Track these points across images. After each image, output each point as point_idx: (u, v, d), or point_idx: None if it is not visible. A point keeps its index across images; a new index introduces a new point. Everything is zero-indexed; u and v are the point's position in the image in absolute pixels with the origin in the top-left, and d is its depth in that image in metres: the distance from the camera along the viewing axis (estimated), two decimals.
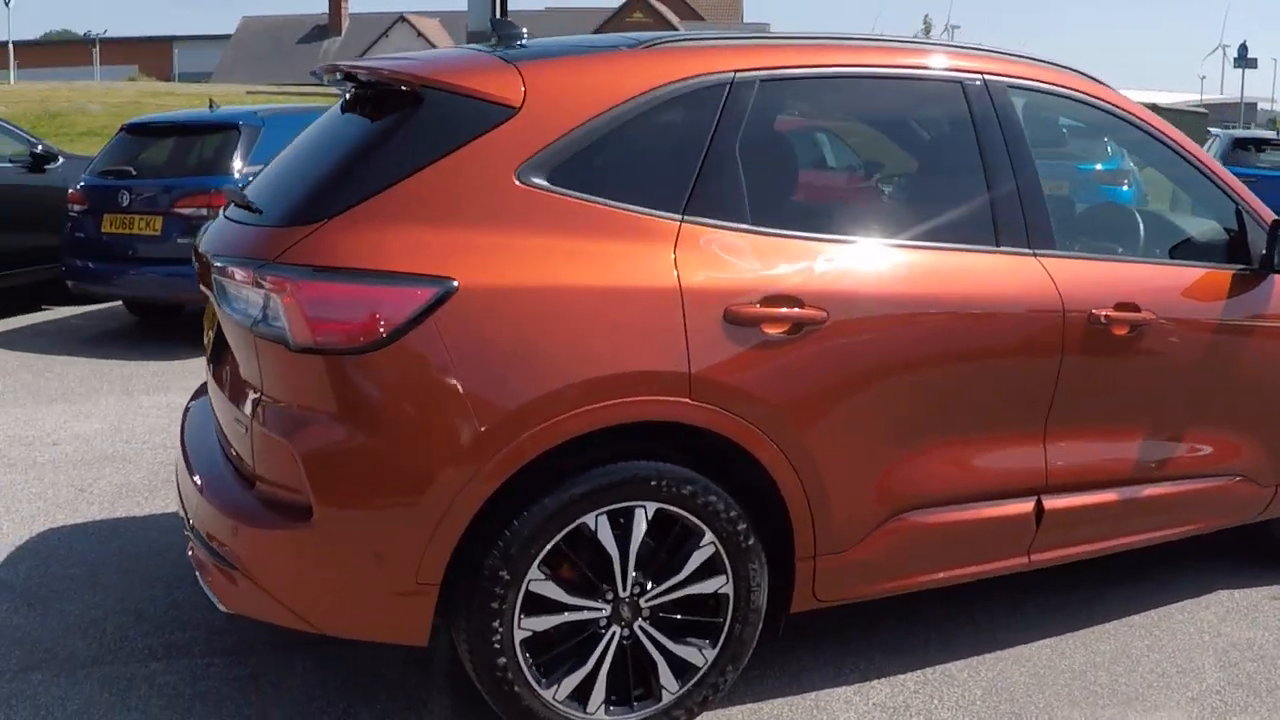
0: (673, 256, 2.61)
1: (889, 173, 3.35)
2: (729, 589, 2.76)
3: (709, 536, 2.70)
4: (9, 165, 8.34)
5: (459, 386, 2.43)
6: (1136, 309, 3.16)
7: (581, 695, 2.67)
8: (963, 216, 3.01)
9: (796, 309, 2.68)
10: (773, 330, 2.66)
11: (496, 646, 2.55)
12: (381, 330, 2.40)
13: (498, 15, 12.32)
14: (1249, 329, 3.42)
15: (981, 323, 2.97)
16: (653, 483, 2.61)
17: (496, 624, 2.54)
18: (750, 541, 2.74)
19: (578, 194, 2.60)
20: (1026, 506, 3.13)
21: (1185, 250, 3.55)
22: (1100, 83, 3.42)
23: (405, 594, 2.50)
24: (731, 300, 2.63)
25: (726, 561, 2.73)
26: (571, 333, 2.51)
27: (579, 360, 2.51)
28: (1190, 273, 3.37)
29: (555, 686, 2.64)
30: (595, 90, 2.68)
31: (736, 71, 2.81)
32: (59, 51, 59.01)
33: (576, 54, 2.85)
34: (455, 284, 2.43)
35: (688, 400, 2.59)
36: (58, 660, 3.05)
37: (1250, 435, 3.49)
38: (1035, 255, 3.05)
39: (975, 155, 3.02)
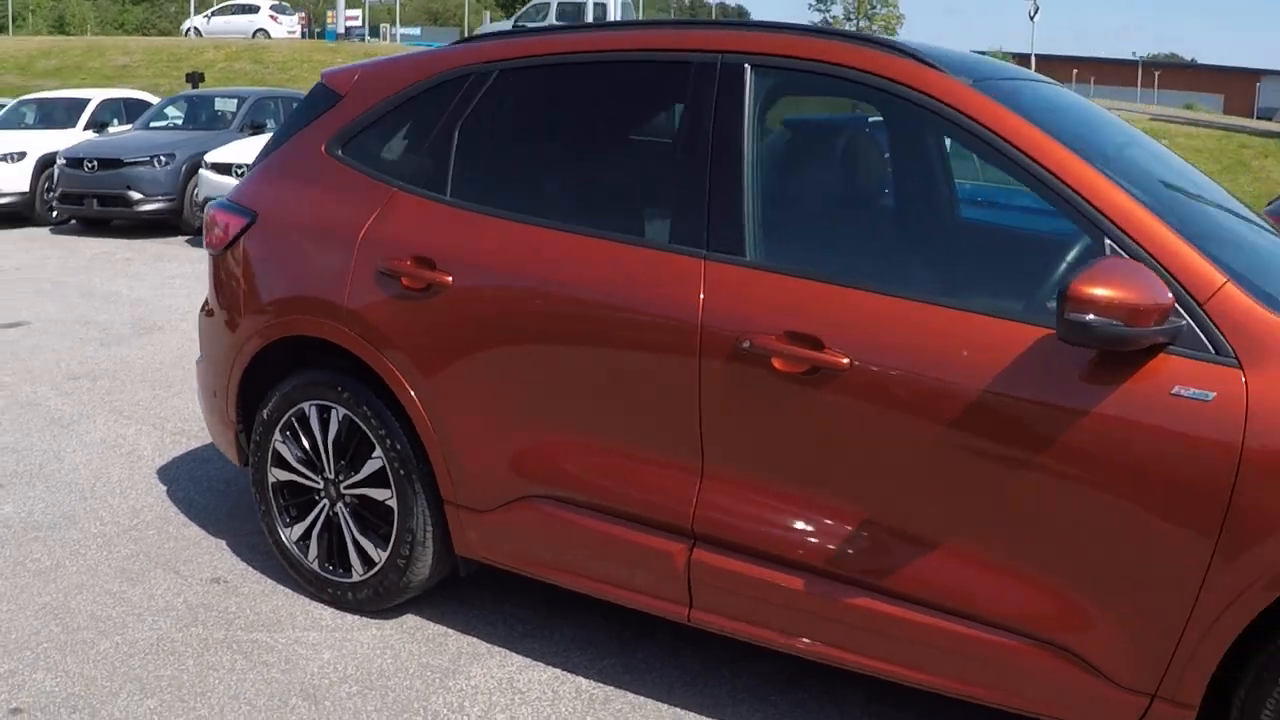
0: (373, 216, 3.19)
1: (581, 158, 2.98)
2: (393, 504, 3.22)
3: (378, 451, 3.22)
4: None
5: (243, 286, 3.47)
6: (819, 345, 2.48)
7: (305, 545, 3.46)
8: (633, 207, 2.79)
9: (427, 270, 3.01)
10: (409, 285, 3.05)
11: (257, 479, 3.52)
12: (224, 241, 3.56)
13: None
14: (1067, 425, 2.28)
15: (602, 317, 2.79)
16: (338, 388, 3.25)
17: (257, 463, 3.51)
18: (405, 470, 3.16)
19: (351, 161, 3.34)
20: (675, 548, 2.76)
21: (980, 291, 2.44)
22: (919, 60, 2.57)
23: (226, 425, 3.64)
24: (387, 255, 3.10)
25: (391, 479, 3.20)
26: (295, 261, 3.33)
27: (289, 282, 3.33)
28: (964, 320, 2.41)
29: (291, 529, 3.48)
30: (386, 81, 3.35)
31: (484, 63, 3.16)
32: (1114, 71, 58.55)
33: (410, 54, 3.48)
34: (256, 216, 3.46)
35: (345, 329, 3.17)
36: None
37: (1076, 590, 2.32)
38: (706, 259, 2.66)
39: (670, 143, 2.75)
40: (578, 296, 2.84)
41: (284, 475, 3.47)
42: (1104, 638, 2.29)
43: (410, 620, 3.35)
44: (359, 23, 46.71)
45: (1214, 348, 2.17)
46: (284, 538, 3.49)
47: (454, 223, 3.07)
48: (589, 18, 27.93)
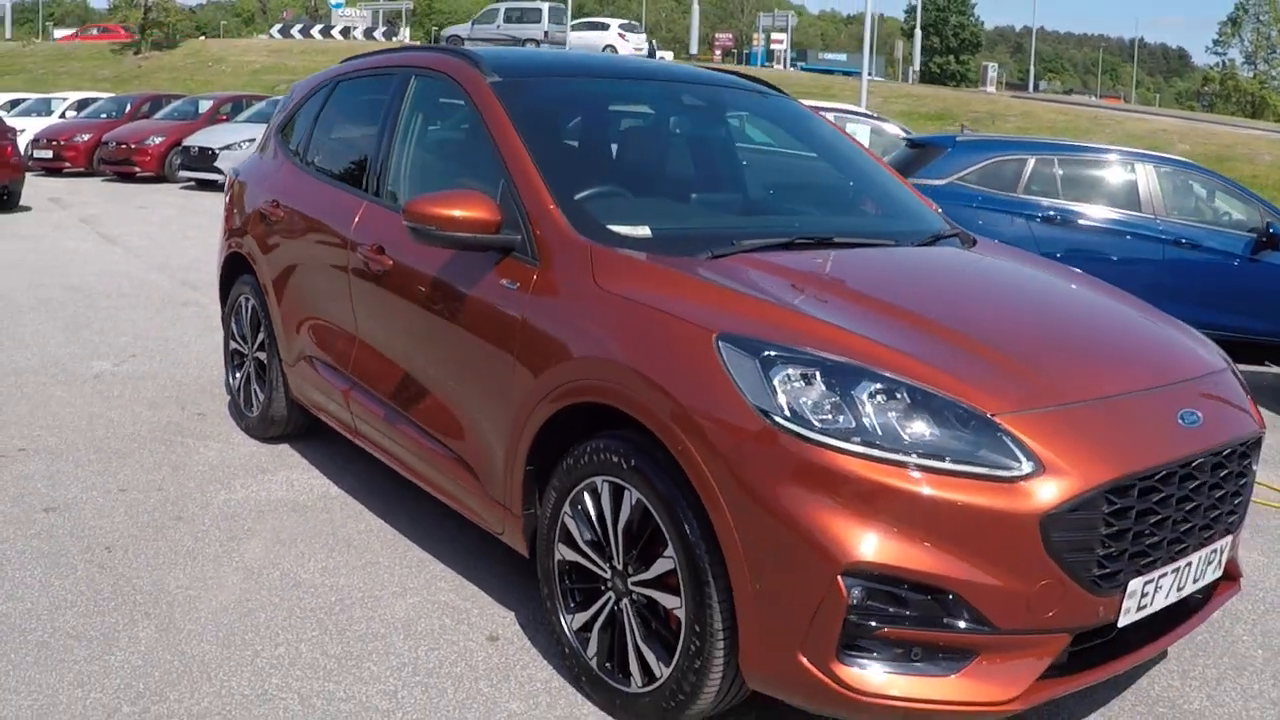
0: (272, 174, 4.84)
1: (346, 138, 4.37)
2: (265, 358, 4.84)
3: (263, 326, 4.85)
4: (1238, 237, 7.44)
5: (224, 219, 5.27)
6: (382, 251, 3.75)
7: (238, 391, 5.16)
8: (360, 167, 4.17)
9: (275, 206, 4.60)
10: (269, 215, 4.65)
11: (225, 347, 5.30)
12: (227, 190, 5.38)
13: None
14: (451, 304, 3.38)
15: (326, 238, 4.20)
16: (250, 286, 4.93)
17: (225, 338, 5.28)
18: (270, 339, 4.77)
19: (279, 141, 5.02)
20: (344, 388, 4.12)
21: None
22: (467, 61, 3.72)
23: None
24: (263, 196, 4.74)
25: (266, 345, 4.83)
26: (239, 203, 5.06)
27: (234, 216, 5.07)
28: None
29: (234, 380, 5.20)
30: (302, 88, 5.01)
31: (336, 76, 4.72)
32: None
33: (329, 68, 5.06)
34: (238, 175, 5.25)
35: (248, 246, 4.85)
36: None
37: (466, 418, 3.36)
38: (367, 200, 4.01)
39: (381, 129, 4.12)
40: (319, 224, 4.31)
41: (234, 345, 5.22)
42: (475, 452, 3.32)
43: (281, 447, 4.95)
44: (783, 46, 49.69)
45: (533, 255, 3.16)
46: (230, 385, 5.25)
47: (297, 180, 4.65)
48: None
